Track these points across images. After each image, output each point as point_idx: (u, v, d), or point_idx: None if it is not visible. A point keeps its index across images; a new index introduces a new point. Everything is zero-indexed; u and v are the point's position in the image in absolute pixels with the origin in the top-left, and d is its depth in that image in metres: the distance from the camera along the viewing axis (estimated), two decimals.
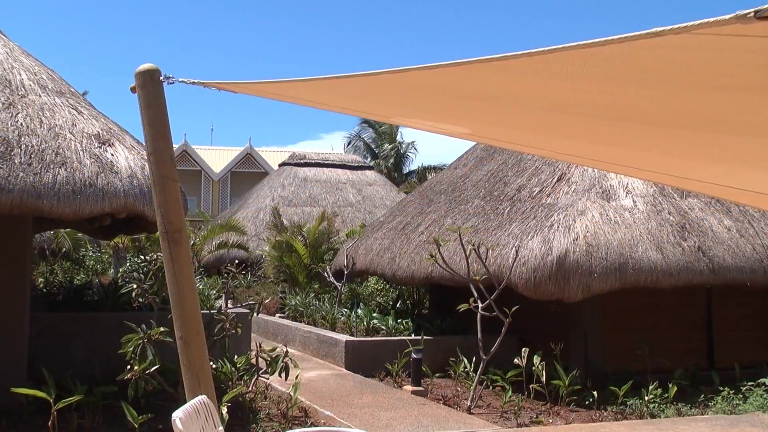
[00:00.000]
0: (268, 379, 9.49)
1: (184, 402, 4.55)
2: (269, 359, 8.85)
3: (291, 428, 8.24)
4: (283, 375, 8.85)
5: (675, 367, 11.03)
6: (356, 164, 30.22)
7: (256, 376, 8.98)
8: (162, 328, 7.97)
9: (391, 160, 43.60)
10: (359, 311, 13.85)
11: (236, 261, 18.28)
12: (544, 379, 9.86)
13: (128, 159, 8.69)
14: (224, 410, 7.65)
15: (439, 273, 11.63)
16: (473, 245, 10.16)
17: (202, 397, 4.90)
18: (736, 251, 11.12)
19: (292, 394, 9.43)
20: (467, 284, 10.38)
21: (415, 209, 14.80)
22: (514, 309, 9.79)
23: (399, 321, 13.30)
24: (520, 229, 10.90)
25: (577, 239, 10.24)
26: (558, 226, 10.49)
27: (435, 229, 13.00)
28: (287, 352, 8.93)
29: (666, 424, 8.94)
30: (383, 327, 13.08)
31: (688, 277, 10.65)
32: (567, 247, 10.14)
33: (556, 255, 10.07)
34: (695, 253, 10.82)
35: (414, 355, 10.53)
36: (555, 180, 11.58)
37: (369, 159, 43.41)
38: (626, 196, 11.24)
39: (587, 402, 9.91)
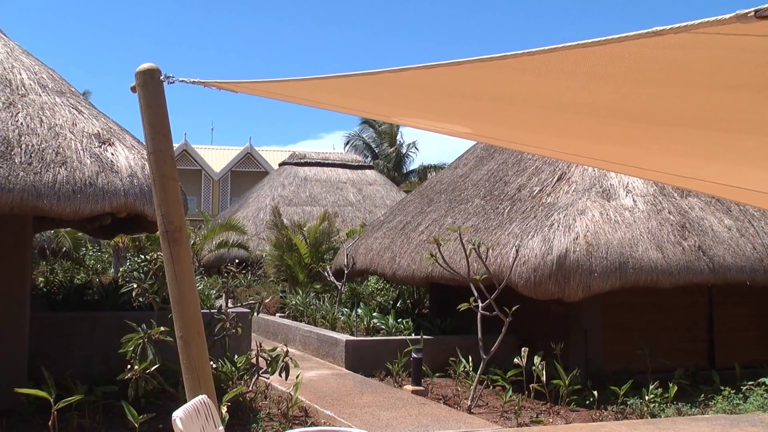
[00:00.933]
0: (268, 378, 9.48)
1: (185, 401, 4.56)
2: (269, 359, 8.85)
3: (291, 428, 8.24)
4: (283, 375, 8.85)
5: (675, 366, 11.02)
6: (356, 164, 30.26)
7: (256, 376, 8.97)
8: (162, 328, 7.97)
9: (393, 161, 43.57)
10: (359, 311, 13.86)
11: (236, 260, 18.25)
12: (544, 378, 9.85)
13: (128, 158, 8.68)
14: (224, 410, 7.65)
15: (439, 272, 11.63)
16: (473, 245, 10.15)
17: (203, 397, 4.90)
18: (736, 250, 11.11)
19: (292, 393, 9.44)
20: (467, 283, 10.37)
21: (415, 209, 14.80)
22: (514, 309, 9.78)
23: (399, 320, 13.30)
24: (521, 229, 10.89)
25: (577, 239, 10.23)
26: (558, 226, 10.48)
27: (435, 228, 13.00)
28: (287, 351, 8.93)
29: (666, 424, 8.94)
30: (383, 326, 13.08)
31: (688, 277, 10.65)
32: (567, 246, 10.13)
33: (557, 254, 10.07)
34: (695, 252, 10.82)
35: (414, 355, 10.53)
36: (555, 179, 11.58)
37: (369, 158, 43.42)
38: (626, 195, 11.23)
39: (588, 401, 9.91)
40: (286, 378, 8.90)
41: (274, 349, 9.04)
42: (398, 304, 15.94)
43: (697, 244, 10.93)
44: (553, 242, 10.23)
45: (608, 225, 10.61)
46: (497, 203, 12.21)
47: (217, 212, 37.14)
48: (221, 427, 4.92)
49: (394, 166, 43.44)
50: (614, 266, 10.18)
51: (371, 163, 42.97)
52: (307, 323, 14.91)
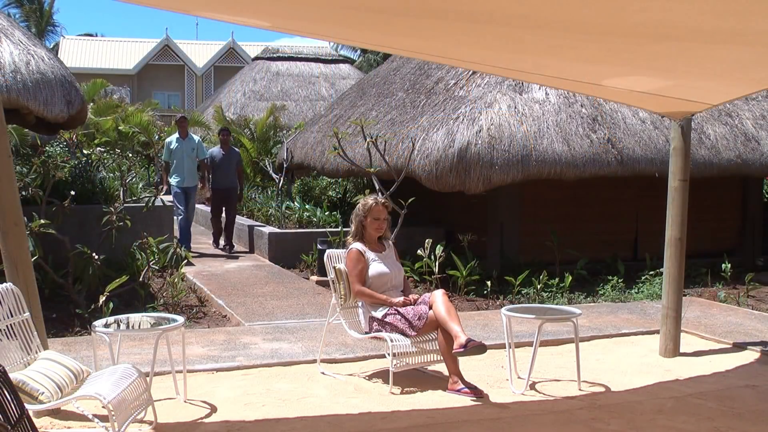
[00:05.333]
0: (174, 270, 9.70)
1: None
2: (158, 252, 9.09)
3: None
4: (175, 266, 9.12)
5: (580, 257, 11.20)
6: (330, 58, 29.86)
7: (146, 267, 9.18)
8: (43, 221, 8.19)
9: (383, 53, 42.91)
10: (293, 204, 14.04)
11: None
12: (436, 269, 10.03)
13: (13, 54, 8.73)
14: (102, 299, 7.92)
15: (347, 166, 11.72)
16: (371, 138, 10.20)
17: (8, 285, 5.14)
18: (647, 142, 11.12)
19: (198, 284, 9.77)
20: (392, 176, 10.35)
21: (349, 102, 14.75)
22: (409, 201, 9.83)
23: (330, 214, 13.49)
24: (429, 122, 10.90)
25: (480, 132, 10.25)
26: (463, 119, 10.48)
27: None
28: (178, 243, 9.16)
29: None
30: (314, 219, 13.28)
31: (595, 169, 10.70)
32: (469, 139, 10.16)
33: (458, 147, 10.12)
34: (604, 144, 10.83)
35: (319, 246, 10.75)
36: (470, 73, 11.48)
37: (358, 52, 42.85)
38: (539, 88, 11.14)
39: (485, 291, 10.14)
40: (178, 269, 9.16)
41: (161, 241, 9.27)
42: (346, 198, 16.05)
43: (606, 136, 10.93)
44: (456, 135, 10.26)
45: (514, 118, 10.59)
46: (416, 96, 12.16)
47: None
48: (27, 314, 5.16)
49: (384, 57, 42.77)
50: (516, 159, 10.23)
51: (360, 58, 42.39)
52: (247, 217, 15.12)
